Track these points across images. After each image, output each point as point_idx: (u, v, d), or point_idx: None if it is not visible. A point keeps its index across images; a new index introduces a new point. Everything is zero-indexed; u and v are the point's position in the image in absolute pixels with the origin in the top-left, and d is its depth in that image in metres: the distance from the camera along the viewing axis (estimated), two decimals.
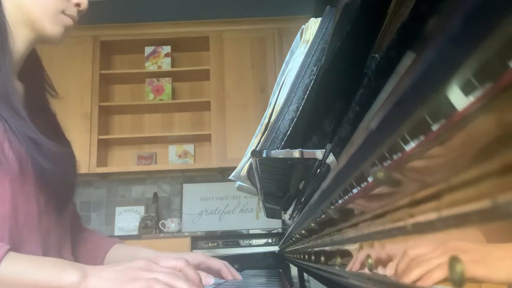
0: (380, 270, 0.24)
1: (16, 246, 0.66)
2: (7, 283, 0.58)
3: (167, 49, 3.36)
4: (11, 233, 0.68)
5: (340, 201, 0.31)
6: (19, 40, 0.77)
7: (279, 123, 0.58)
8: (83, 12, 0.82)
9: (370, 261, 0.25)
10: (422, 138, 0.16)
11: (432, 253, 0.17)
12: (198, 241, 2.78)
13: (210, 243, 2.78)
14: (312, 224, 0.49)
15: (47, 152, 0.73)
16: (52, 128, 0.84)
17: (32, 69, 0.85)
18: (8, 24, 0.75)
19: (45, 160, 0.72)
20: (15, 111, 0.71)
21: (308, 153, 0.50)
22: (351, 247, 0.31)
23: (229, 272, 0.88)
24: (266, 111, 0.71)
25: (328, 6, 0.60)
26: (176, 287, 0.60)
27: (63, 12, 0.78)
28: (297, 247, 0.79)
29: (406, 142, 0.17)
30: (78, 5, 0.80)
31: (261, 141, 0.63)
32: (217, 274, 0.89)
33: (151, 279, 0.60)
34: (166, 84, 3.32)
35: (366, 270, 0.26)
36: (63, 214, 0.82)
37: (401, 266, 0.20)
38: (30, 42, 0.79)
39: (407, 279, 0.19)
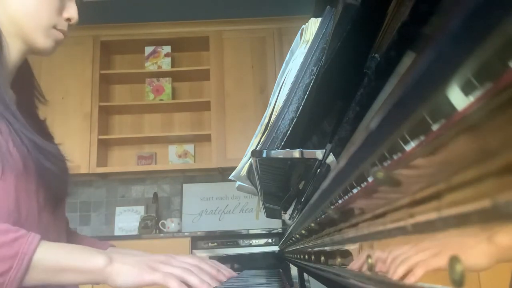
0: (380, 270, 0.24)
1: None
2: (42, 268, 0.63)
3: (167, 49, 3.36)
4: None
5: (340, 201, 0.31)
6: (12, 51, 0.80)
7: (279, 123, 0.58)
8: (74, 26, 0.85)
9: (370, 261, 0.25)
10: (422, 138, 0.16)
11: (431, 252, 0.17)
12: (198, 241, 2.77)
13: (210, 243, 2.78)
14: (312, 224, 0.49)
15: (47, 153, 0.77)
16: (42, 133, 0.86)
17: (24, 79, 0.88)
18: (3, 36, 0.78)
19: (46, 160, 0.76)
20: (14, 117, 0.74)
21: (308, 153, 0.50)
22: (351, 247, 0.31)
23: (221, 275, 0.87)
24: (266, 111, 0.71)
25: (328, 6, 0.60)
26: (189, 282, 0.66)
27: (54, 27, 0.81)
28: (297, 247, 0.79)
29: (406, 142, 0.17)
30: (68, 19, 0.83)
31: (261, 141, 0.63)
32: None
33: (167, 274, 0.66)
34: (166, 84, 3.32)
35: (366, 270, 0.26)
36: (59, 211, 0.86)
37: (400, 266, 0.20)
38: (23, 54, 0.82)
39: (407, 279, 0.19)
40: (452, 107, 0.13)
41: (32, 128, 0.78)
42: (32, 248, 0.62)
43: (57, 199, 0.84)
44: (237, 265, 1.49)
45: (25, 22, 0.78)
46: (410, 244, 0.19)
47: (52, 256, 0.64)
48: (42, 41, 0.80)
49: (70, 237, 0.95)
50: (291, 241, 0.94)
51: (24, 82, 0.89)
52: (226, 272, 0.85)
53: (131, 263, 0.67)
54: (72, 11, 0.83)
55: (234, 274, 0.91)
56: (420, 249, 0.18)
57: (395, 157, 0.19)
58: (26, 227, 0.73)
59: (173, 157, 3.28)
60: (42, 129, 0.89)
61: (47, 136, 0.90)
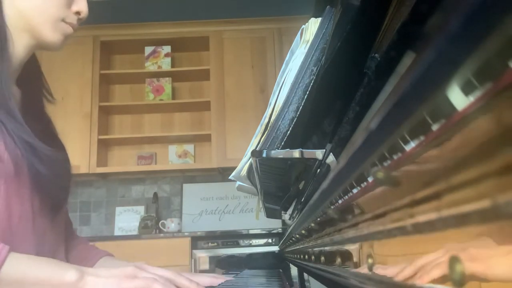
0: (380, 270, 0.24)
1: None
2: (10, 282, 0.60)
3: (167, 49, 3.36)
4: (4, 234, 0.68)
5: (340, 201, 0.31)
6: (19, 46, 0.77)
7: (279, 123, 0.58)
8: (83, 20, 0.82)
9: (370, 261, 0.25)
10: (422, 138, 0.16)
11: (432, 253, 0.17)
12: (198, 241, 2.77)
13: (210, 243, 2.78)
14: (312, 224, 0.49)
15: (43, 156, 0.73)
16: (47, 133, 0.84)
17: (31, 75, 0.85)
18: (8, 30, 0.75)
19: (40, 164, 0.73)
20: (11, 116, 0.71)
21: (308, 153, 0.50)
22: (351, 247, 0.31)
23: None
24: (266, 111, 0.71)
25: (328, 6, 0.60)
26: None
27: (63, 20, 0.78)
28: (297, 247, 0.79)
29: (406, 142, 0.17)
30: (78, 13, 0.80)
31: (261, 141, 0.63)
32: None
33: (148, 278, 0.62)
34: (166, 84, 3.32)
35: (366, 270, 0.26)
36: (57, 217, 0.83)
37: (400, 266, 0.20)
38: (30, 48, 0.79)
39: (407, 279, 0.19)
40: (452, 107, 0.13)
41: (35, 127, 0.75)
42: (0, 261, 0.59)
43: (55, 205, 0.81)
44: (236, 265, 1.49)
45: (33, 15, 0.76)
46: (410, 244, 0.19)
47: (21, 269, 0.61)
48: (50, 34, 0.77)
49: (71, 242, 0.93)
50: (291, 241, 0.94)
51: (31, 78, 0.85)
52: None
53: (105, 276, 0.63)
54: (81, 4, 0.80)
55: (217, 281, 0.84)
56: (420, 249, 0.18)
57: (395, 157, 0.19)
58: (18, 233, 0.70)
59: (173, 157, 3.28)
60: (47, 129, 0.86)
61: (52, 136, 0.87)
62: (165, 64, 3.34)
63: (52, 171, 0.75)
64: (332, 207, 0.34)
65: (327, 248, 0.42)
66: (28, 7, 0.76)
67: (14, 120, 0.71)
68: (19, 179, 0.71)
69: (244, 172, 0.80)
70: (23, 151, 0.70)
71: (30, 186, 0.73)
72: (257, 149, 0.57)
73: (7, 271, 0.59)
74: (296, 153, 0.51)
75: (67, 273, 0.62)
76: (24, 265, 0.61)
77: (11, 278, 0.59)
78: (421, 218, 0.17)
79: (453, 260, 0.14)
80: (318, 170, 0.50)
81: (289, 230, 1.00)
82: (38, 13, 0.76)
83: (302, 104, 0.57)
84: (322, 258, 0.45)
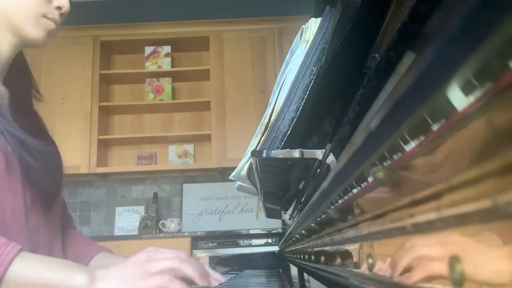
0: (380, 270, 0.24)
1: None
2: (17, 282, 0.59)
3: (167, 49, 3.36)
4: None
5: (340, 201, 0.31)
6: (3, 44, 0.78)
7: (279, 123, 0.58)
8: (65, 15, 0.82)
9: (370, 261, 0.25)
10: (422, 138, 0.16)
11: (431, 252, 0.17)
12: (198, 241, 2.77)
13: (210, 243, 2.78)
14: (312, 224, 0.49)
15: (33, 150, 0.74)
16: (36, 129, 0.84)
17: (18, 74, 0.85)
18: None
19: (31, 158, 0.73)
20: (0, 113, 0.71)
21: (308, 153, 0.50)
22: (351, 247, 0.31)
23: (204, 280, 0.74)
24: (266, 111, 0.71)
25: (328, 6, 0.60)
26: (185, 272, 0.62)
27: (44, 16, 0.78)
28: (297, 247, 0.79)
29: (406, 142, 0.17)
30: (59, 8, 0.80)
31: (261, 141, 0.63)
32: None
33: (165, 276, 0.60)
34: (166, 84, 3.32)
35: (366, 270, 0.26)
36: (51, 212, 0.82)
37: (400, 266, 0.20)
38: (14, 47, 0.80)
39: (407, 279, 0.19)
40: (452, 107, 0.13)
41: (25, 125, 0.75)
42: (9, 259, 0.58)
43: (48, 199, 0.80)
44: (236, 265, 1.49)
45: (14, 12, 0.76)
46: (409, 244, 0.19)
47: (31, 270, 0.59)
48: (33, 31, 0.77)
49: (69, 238, 0.92)
50: (291, 241, 0.94)
51: (19, 77, 0.85)
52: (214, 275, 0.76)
53: (117, 276, 0.61)
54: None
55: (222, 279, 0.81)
56: (420, 249, 0.18)
57: (395, 157, 0.19)
58: (11, 228, 0.70)
59: (173, 157, 3.27)
60: (36, 126, 0.86)
61: (42, 133, 0.86)
62: (165, 64, 3.34)
63: (43, 164, 0.75)
64: (332, 207, 0.34)
65: (327, 248, 0.42)
66: (8, 5, 0.76)
67: (2, 117, 0.71)
68: (10, 174, 0.71)
69: (244, 172, 0.80)
70: (13, 145, 0.70)
71: (21, 180, 0.73)
72: (257, 149, 0.57)
73: (16, 271, 0.58)
74: (296, 153, 0.51)
75: (77, 276, 0.60)
76: (34, 266, 0.60)
77: (19, 279, 0.58)
78: (421, 218, 0.17)
79: (452, 259, 0.14)
80: (318, 170, 0.50)
81: (289, 230, 1.00)
82: (19, 10, 0.76)
83: (302, 104, 0.57)
84: (322, 258, 0.45)
